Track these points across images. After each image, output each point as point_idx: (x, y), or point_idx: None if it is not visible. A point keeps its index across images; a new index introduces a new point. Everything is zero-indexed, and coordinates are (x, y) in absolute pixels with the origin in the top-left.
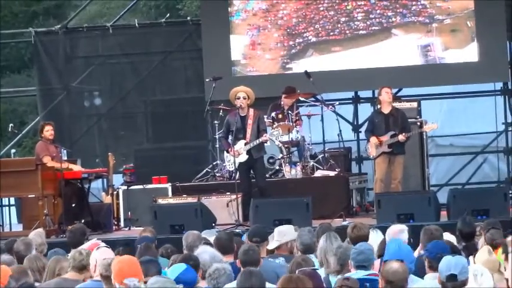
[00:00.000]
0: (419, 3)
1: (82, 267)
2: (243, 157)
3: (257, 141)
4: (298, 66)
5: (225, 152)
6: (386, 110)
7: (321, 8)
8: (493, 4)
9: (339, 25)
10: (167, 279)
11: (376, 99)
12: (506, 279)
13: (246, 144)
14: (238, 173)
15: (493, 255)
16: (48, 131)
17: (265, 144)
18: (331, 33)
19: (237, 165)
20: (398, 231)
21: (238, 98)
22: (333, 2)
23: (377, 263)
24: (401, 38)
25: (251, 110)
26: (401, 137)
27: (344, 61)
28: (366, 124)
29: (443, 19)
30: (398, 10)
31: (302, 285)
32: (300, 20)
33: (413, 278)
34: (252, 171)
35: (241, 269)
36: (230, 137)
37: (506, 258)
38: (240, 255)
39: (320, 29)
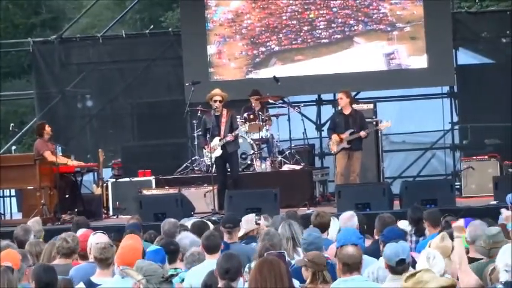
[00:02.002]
0: (380, 11)
1: (70, 253)
2: (218, 152)
3: (224, 140)
4: (262, 75)
5: (203, 148)
6: (346, 111)
7: (284, 17)
8: (441, 15)
9: (302, 34)
10: (150, 262)
11: (337, 101)
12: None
13: (220, 140)
14: (214, 167)
15: (444, 242)
16: (49, 128)
17: (240, 141)
18: (294, 42)
19: (213, 159)
20: (350, 216)
21: (215, 101)
22: (295, 11)
23: (333, 246)
24: (363, 45)
25: (225, 110)
26: (363, 133)
27: (307, 68)
28: (328, 123)
29: (403, 27)
30: (360, 18)
31: (277, 267)
32: (263, 29)
33: (366, 258)
34: (227, 165)
35: (205, 253)
36: (208, 135)
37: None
38: (202, 240)
39: (283, 38)
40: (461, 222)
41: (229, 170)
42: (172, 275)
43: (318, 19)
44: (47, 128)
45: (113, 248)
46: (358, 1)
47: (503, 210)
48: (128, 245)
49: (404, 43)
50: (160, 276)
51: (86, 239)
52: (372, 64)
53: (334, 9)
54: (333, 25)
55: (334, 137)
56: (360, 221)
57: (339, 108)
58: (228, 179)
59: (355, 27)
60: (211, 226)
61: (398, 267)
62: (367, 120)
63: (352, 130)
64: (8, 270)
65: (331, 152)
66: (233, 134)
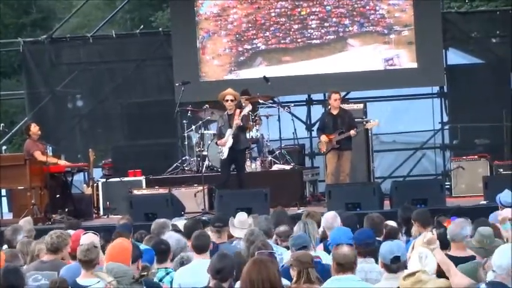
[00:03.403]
0: (377, 12)
1: (56, 249)
2: (230, 142)
3: (235, 125)
4: (245, 75)
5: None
6: (335, 111)
7: (273, 14)
8: (431, 15)
9: (291, 32)
10: (119, 264)
11: (327, 101)
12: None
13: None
14: (220, 166)
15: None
16: (36, 128)
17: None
18: (282, 41)
19: (226, 154)
20: (334, 216)
21: (227, 101)
22: (285, 7)
23: (320, 245)
24: (357, 48)
25: (237, 110)
26: (352, 132)
27: (296, 68)
28: (318, 123)
29: (401, 30)
30: (355, 19)
31: (264, 267)
32: (250, 25)
33: None
34: (234, 164)
35: (194, 253)
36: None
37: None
38: (192, 240)
39: (270, 36)
40: (430, 234)
41: (235, 169)
42: (142, 276)
43: (309, 17)
44: (33, 129)
45: (97, 249)
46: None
47: (500, 212)
48: (118, 244)
49: (401, 48)
50: (131, 277)
51: (78, 238)
52: (363, 64)
53: (328, 8)
54: (325, 24)
55: (323, 137)
56: (352, 221)
57: (329, 108)
58: (233, 177)
59: (350, 28)
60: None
61: (393, 265)
62: (356, 120)
63: (340, 130)
64: None
65: (321, 152)
66: (240, 117)
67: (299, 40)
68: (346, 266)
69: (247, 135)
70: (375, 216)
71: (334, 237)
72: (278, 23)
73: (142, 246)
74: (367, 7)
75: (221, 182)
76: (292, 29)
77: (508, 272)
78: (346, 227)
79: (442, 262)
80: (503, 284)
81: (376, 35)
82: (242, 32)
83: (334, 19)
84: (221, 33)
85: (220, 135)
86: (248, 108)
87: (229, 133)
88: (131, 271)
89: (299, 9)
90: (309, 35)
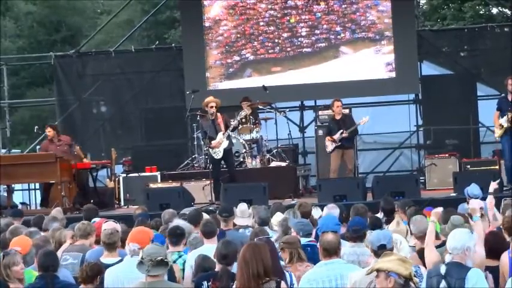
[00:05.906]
0: (368, 18)
1: (87, 234)
2: (225, 144)
3: (229, 131)
4: (236, 85)
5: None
6: (338, 116)
7: (261, 23)
8: (407, 32)
9: (280, 41)
10: (158, 245)
11: (330, 107)
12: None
13: (223, 134)
14: (212, 164)
15: (399, 227)
16: (50, 133)
17: (233, 141)
18: (271, 51)
19: (222, 153)
20: (332, 207)
21: (211, 107)
22: (273, 16)
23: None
24: (350, 56)
25: (219, 115)
26: (337, 136)
27: (288, 77)
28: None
29: (391, 36)
30: (347, 25)
31: (258, 251)
32: (238, 36)
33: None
34: (223, 162)
35: (203, 238)
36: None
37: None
38: (200, 227)
39: (258, 46)
40: (440, 209)
41: (225, 166)
42: (162, 260)
43: (299, 25)
44: (46, 132)
45: (118, 234)
46: (344, 6)
47: (471, 202)
48: (140, 228)
49: (391, 53)
50: (151, 259)
51: (100, 226)
52: (357, 72)
53: (318, 15)
54: (316, 31)
55: (327, 138)
56: (340, 210)
57: (332, 113)
58: (225, 174)
59: (342, 35)
60: (205, 216)
61: (379, 251)
62: None
63: (341, 131)
64: (15, 253)
65: (327, 151)
66: (233, 123)
67: (288, 49)
68: (331, 251)
69: (249, 136)
70: (360, 206)
71: (322, 225)
72: (266, 32)
73: (155, 232)
74: (358, 13)
75: (215, 178)
76: (281, 38)
77: (464, 252)
78: (333, 215)
79: (428, 234)
80: (460, 263)
81: (368, 41)
82: (231, 42)
83: (324, 26)
84: (212, 45)
85: (210, 138)
86: (243, 113)
87: (221, 136)
88: (156, 254)
89: (288, 17)
90: (299, 43)
